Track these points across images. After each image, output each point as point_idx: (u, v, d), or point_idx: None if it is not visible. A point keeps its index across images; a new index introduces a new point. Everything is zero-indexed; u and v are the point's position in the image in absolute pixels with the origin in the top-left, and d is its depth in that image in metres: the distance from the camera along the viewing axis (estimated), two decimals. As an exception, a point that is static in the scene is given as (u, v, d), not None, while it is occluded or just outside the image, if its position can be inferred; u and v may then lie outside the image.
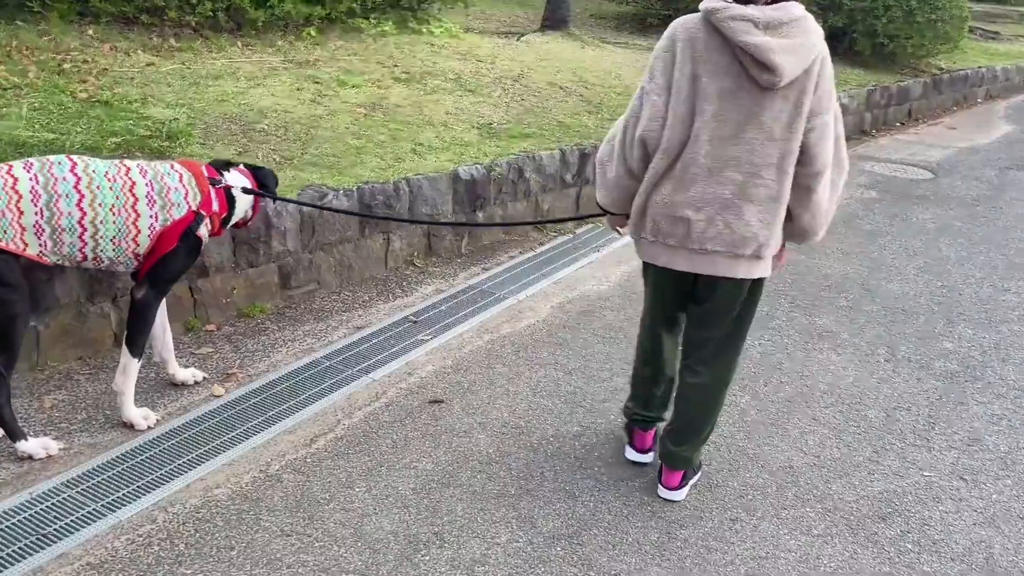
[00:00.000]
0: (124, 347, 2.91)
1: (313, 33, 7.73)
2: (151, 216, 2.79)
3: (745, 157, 2.41)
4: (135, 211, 2.76)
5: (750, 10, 2.34)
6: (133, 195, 2.76)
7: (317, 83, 6.35)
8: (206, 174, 2.98)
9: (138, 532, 2.50)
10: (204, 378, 3.34)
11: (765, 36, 2.32)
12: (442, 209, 4.85)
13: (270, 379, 3.43)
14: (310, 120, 5.46)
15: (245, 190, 3.08)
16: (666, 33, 2.49)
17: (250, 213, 3.19)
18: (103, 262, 2.78)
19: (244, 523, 2.57)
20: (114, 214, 2.71)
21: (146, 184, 2.80)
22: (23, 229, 2.56)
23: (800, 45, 2.35)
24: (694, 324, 2.75)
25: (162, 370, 3.28)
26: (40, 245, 2.62)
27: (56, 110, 4.83)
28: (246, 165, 3.22)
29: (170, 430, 3.02)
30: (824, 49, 2.40)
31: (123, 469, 2.79)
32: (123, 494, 2.66)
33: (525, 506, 2.76)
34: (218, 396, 3.27)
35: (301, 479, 2.81)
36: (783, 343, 4.11)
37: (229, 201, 3.05)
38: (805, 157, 2.43)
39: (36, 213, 2.57)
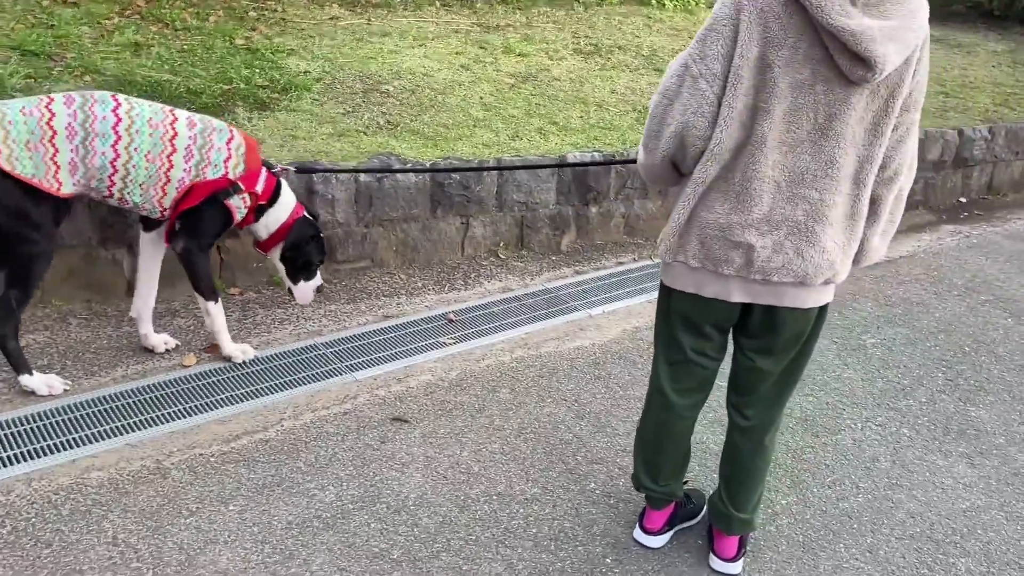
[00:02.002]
0: (198, 296, 2.97)
1: (518, -8, 7.38)
2: (184, 170, 2.69)
3: (823, 169, 1.90)
4: (169, 161, 2.66)
5: None
6: (172, 145, 2.66)
7: (482, 48, 5.99)
8: (262, 157, 2.88)
9: (-16, 502, 2.33)
10: (177, 346, 3.15)
11: (864, 19, 1.73)
12: (541, 199, 4.28)
13: (251, 358, 3.15)
14: (446, 86, 5.11)
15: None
16: None
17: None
18: (128, 204, 2.72)
19: (88, 519, 2.30)
20: (148, 161, 2.63)
21: (189, 138, 2.68)
22: (58, 167, 2.50)
23: (904, 28, 1.77)
24: (747, 361, 2.18)
25: (134, 328, 3.13)
26: (74, 184, 2.57)
27: (201, 53, 4.92)
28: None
29: (112, 394, 2.85)
30: (927, 29, 1.85)
31: (34, 427, 2.65)
32: (9, 455, 2.51)
33: (404, 577, 2.22)
34: (186, 367, 3.06)
35: (187, 480, 2.49)
36: (898, 434, 3.08)
37: (275, 193, 2.91)
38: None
39: (72, 151, 2.51)
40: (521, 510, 2.51)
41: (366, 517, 2.42)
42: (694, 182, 1.97)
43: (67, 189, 2.54)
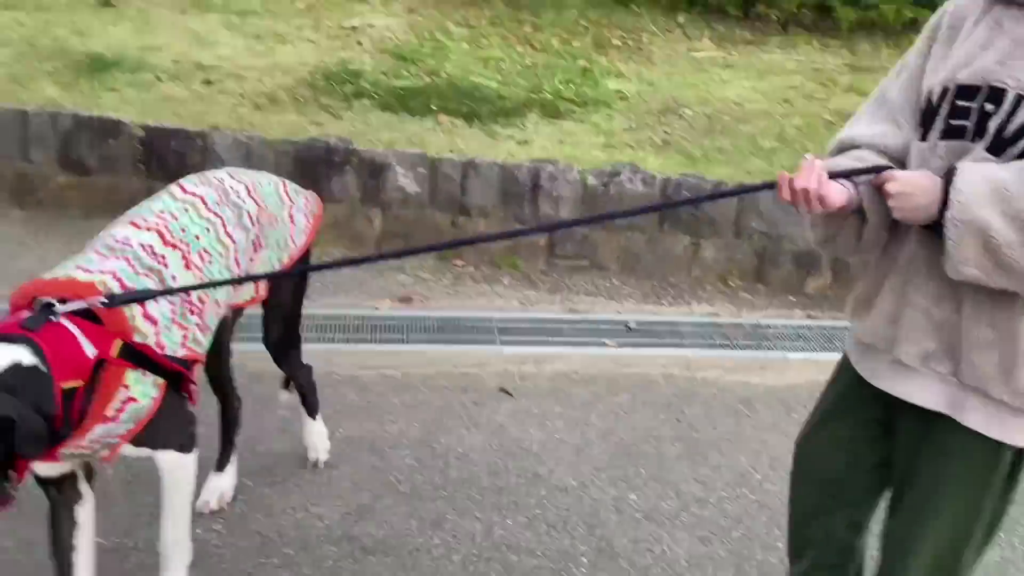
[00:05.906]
0: None
1: (913, 38, 6.75)
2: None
3: None
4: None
5: None
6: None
7: (823, 85, 5.67)
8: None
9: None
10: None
11: None
12: (787, 231, 3.99)
13: (430, 314, 3.58)
14: (751, 116, 5.01)
15: None
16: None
17: None
18: None
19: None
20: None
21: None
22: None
23: None
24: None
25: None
26: None
27: (541, 74, 5.50)
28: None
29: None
30: None
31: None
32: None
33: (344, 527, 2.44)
34: (376, 310, 3.60)
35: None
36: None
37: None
38: None
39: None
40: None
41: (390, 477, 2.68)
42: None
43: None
